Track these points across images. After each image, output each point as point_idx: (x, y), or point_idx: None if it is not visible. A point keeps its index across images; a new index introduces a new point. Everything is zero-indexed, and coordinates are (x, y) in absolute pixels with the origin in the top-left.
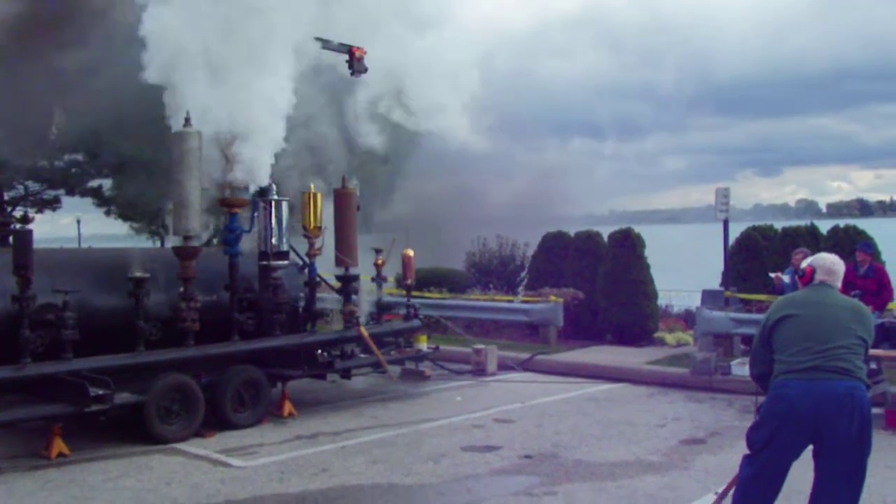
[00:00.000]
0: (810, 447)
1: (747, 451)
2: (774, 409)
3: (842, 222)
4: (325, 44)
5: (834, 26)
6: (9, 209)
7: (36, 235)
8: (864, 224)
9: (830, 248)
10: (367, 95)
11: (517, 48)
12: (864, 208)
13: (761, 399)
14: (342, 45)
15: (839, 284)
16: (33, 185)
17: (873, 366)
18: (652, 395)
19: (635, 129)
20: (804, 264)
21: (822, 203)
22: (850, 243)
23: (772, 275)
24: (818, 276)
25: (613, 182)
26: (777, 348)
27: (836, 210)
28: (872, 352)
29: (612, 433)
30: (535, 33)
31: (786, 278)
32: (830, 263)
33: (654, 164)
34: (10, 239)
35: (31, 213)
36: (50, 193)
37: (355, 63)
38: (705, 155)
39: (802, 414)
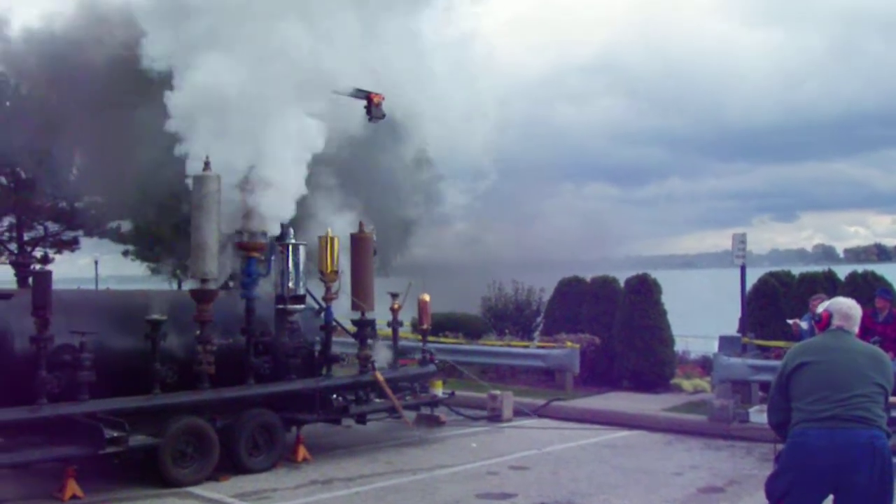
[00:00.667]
0: (831, 497)
1: (766, 501)
2: (793, 459)
3: (860, 268)
4: (351, 92)
5: (846, 72)
6: (28, 249)
7: (54, 275)
8: (883, 269)
9: (849, 294)
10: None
11: (533, 95)
12: (881, 253)
13: (781, 447)
14: (360, 90)
15: (856, 329)
16: (52, 226)
17: (893, 414)
18: (669, 442)
19: (650, 175)
20: (820, 309)
21: (840, 248)
22: (869, 289)
23: (790, 321)
24: (835, 322)
25: (629, 227)
26: (795, 396)
27: (853, 255)
28: (893, 399)
29: (630, 481)
30: (551, 80)
31: (804, 325)
32: (847, 308)
33: (670, 209)
34: (30, 280)
35: (51, 253)
36: (69, 234)
37: (373, 109)
38: (720, 200)
39: (822, 464)
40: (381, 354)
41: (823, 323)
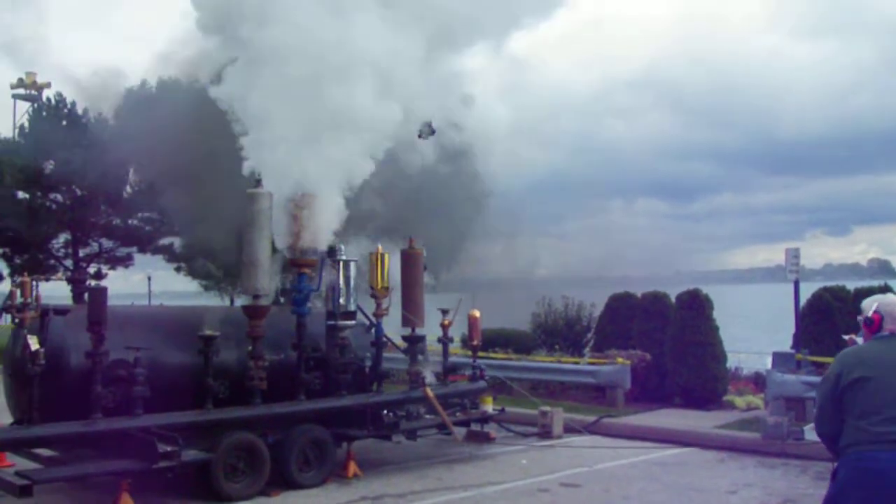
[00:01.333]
0: None
1: None
2: (857, 483)
3: None
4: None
5: None
6: (83, 265)
7: (109, 291)
8: None
9: None
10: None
11: (582, 110)
12: None
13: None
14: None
15: None
16: (107, 243)
17: None
18: (722, 460)
19: (700, 189)
20: (871, 310)
21: (895, 262)
22: None
23: (846, 337)
24: (887, 326)
25: (679, 242)
26: (852, 413)
27: None
28: None
29: (682, 499)
30: (599, 96)
31: (860, 340)
32: None
33: (721, 224)
34: (86, 295)
35: (105, 269)
36: (123, 251)
37: (422, 125)
38: (771, 214)
39: (893, 489)
40: (432, 370)
41: (875, 326)
